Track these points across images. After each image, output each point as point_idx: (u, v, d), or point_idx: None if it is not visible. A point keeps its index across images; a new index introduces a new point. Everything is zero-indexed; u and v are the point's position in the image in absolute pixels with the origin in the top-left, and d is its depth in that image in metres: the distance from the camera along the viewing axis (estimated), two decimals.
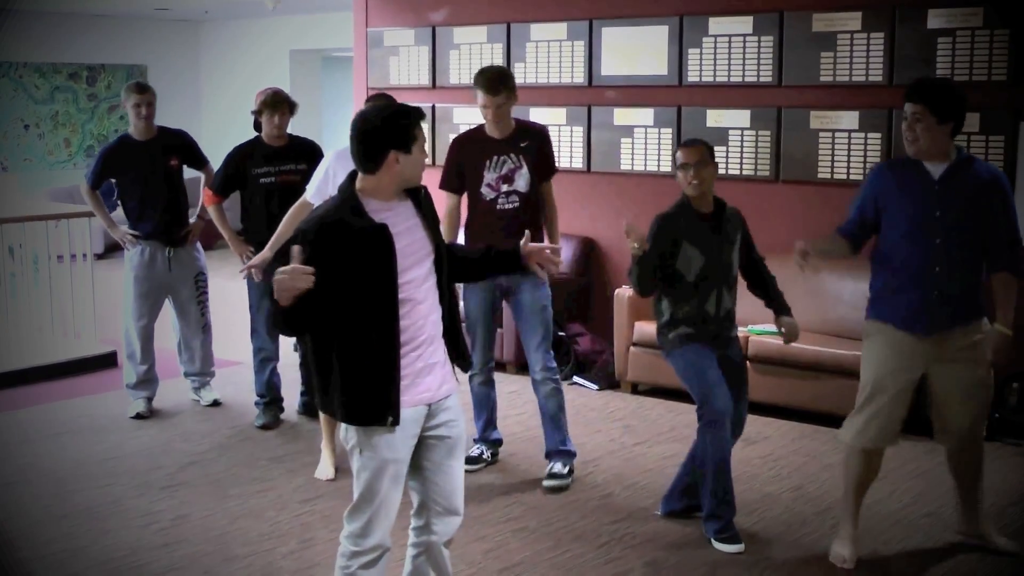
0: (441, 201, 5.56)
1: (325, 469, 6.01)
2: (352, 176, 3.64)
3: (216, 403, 7.36)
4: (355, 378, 3.55)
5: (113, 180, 7.16)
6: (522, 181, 5.77)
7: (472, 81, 5.84)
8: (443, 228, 5.36)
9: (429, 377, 3.67)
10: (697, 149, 5.05)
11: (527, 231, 4.19)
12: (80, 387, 7.91)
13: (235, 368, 8.06)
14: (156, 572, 4.82)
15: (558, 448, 5.92)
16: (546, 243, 5.55)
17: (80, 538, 5.18)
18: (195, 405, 7.36)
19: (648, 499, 5.67)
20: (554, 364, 5.91)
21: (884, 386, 4.71)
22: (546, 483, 5.84)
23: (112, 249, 14.71)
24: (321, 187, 5.90)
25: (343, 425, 3.65)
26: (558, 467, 5.88)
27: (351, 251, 3.48)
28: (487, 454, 6.18)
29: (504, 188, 5.77)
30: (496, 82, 5.73)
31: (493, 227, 5.74)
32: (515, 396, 7.52)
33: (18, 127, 14.96)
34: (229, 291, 7.13)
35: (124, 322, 7.20)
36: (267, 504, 5.62)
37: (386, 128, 3.54)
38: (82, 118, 15.58)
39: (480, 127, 5.92)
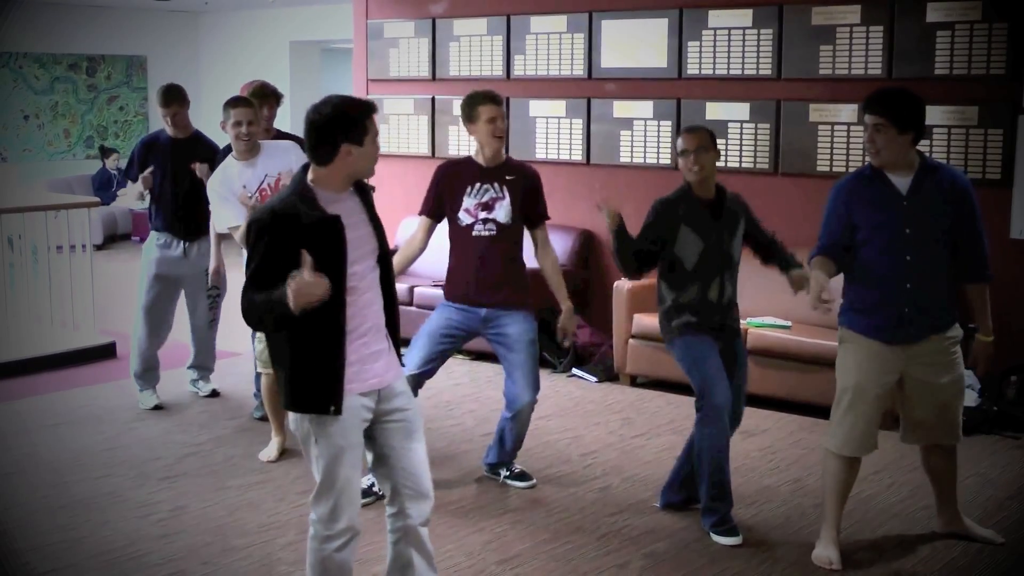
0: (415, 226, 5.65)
1: (269, 452, 6.16)
2: (305, 167, 3.69)
3: (214, 394, 7.38)
4: (302, 366, 3.63)
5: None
6: (502, 211, 5.50)
7: (468, 105, 5.52)
8: (399, 254, 5.41)
9: (376, 364, 3.74)
10: (698, 135, 5.05)
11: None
12: (78, 378, 7.91)
13: (234, 359, 8.06)
14: (154, 563, 4.82)
15: (511, 457, 5.83)
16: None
17: (78, 529, 5.19)
18: (194, 396, 7.37)
19: (647, 491, 5.68)
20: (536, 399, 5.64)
21: (865, 391, 4.71)
22: (522, 485, 5.78)
23: (111, 240, 14.75)
24: (237, 211, 5.87)
25: (292, 416, 3.72)
26: (518, 468, 5.84)
27: (304, 241, 3.52)
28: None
29: (482, 215, 5.52)
30: (494, 93, 5.57)
31: (469, 254, 5.53)
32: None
33: (18, 117, 14.97)
34: (228, 283, 7.11)
35: (137, 311, 7.16)
36: (265, 495, 5.62)
37: (338, 120, 3.58)
38: (82, 109, 15.59)
39: (467, 158, 5.65)
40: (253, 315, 3.61)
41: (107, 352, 8.46)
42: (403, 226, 9.17)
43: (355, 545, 3.78)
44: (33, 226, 8.76)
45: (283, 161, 6.02)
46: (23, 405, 7.25)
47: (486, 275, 5.51)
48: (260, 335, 6.02)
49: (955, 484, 5.07)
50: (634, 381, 7.80)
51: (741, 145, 7.85)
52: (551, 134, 8.72)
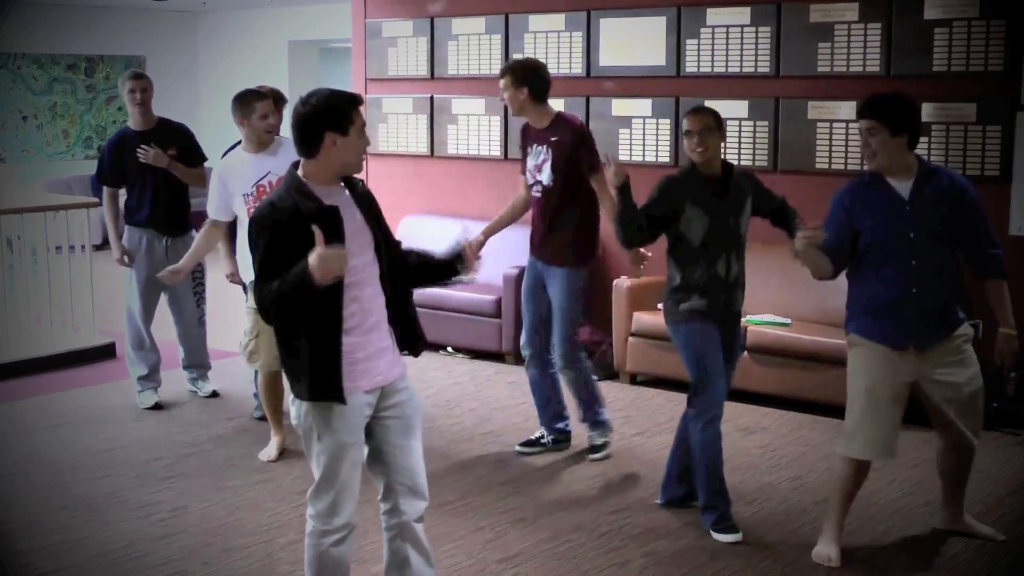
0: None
1: (269, 451, 6.18)
2: (296, 164, 3.71)
3: (215, 394, 7.37)
4: (310, 358, 3.61)
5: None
6: (546, 174, 5.91)
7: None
8: (505, 208, 6.25)
9: (381, 360, 3.75)
10: (702, 116, 5.09)
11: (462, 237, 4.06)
12: (78, 378, 7.91)
13: (233, 359, 8.04)
14: (155, 563, 4.83)
15: (590, 420, 6.19)
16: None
17: (79, 529, 5.19)
18: (193, 396, 7.37)
19: (647, 489, 5.68)
20: (571, 355, 6.10)
21: (878, 396, 4.70)
22: (590, 457, 6.16)
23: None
24: (220, 205, 6.02)
25: (295, 411, 3.72)
26: (595, 438, 6.19)
27: (305, 233, 3.51)
28: (547, 439, 6.29)
29: (537, 177, 5.96)
30: (503, 69, 6.00)
31: (532, 212, 6.08)
32: (514, 387, 7.53)
33: (16, 118, 14.95)
34: (227, 282, 7.10)
35: (128, 313, 7.18)
36: (266, 495, 5.63)
37: (322, 111, 3.60)
38: (80, 109, 15.57)
39: None
40: (268, 299, 3.56)
41: (107, 352, 8.46)
42: (403, 225, 9.16)
43: (352, 540, 3.79)
44: (32, 227, 8.77)
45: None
46: (23, 406, 7.25)
47: (536, 233, 6.03)
48: (247, 329, 6.03)
49: (965, 484, 5.07)
50: (634, 379, 7.80)
51: (740, 142, 7.85)
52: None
